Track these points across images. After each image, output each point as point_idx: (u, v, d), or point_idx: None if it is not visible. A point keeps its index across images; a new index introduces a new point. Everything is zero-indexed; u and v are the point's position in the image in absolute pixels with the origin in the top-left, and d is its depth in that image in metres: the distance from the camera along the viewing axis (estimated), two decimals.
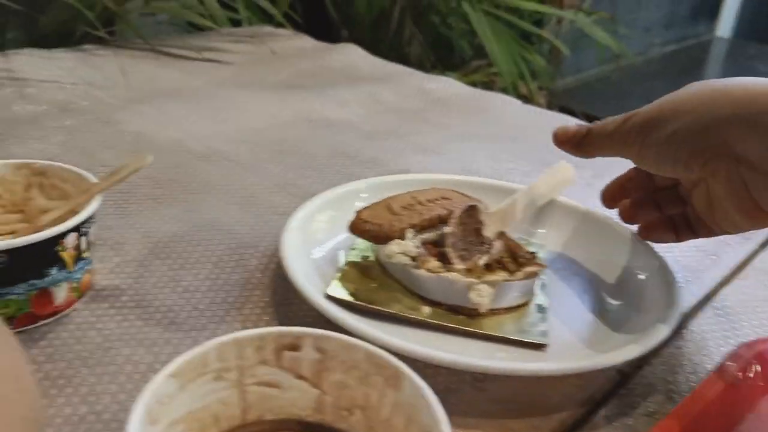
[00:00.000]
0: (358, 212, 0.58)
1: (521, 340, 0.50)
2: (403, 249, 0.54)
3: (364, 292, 0.54)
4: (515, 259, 0.56)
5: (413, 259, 0.54)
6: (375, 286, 0.55)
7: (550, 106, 1.80)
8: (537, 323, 0.52)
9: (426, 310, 0.53)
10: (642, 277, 0.57)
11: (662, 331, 0.49)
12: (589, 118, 0.97)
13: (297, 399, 0.39)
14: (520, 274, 0.54)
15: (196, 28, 1.36)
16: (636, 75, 2.71)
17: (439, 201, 0.58)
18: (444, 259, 0.54)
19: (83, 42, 1.18)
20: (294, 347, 0.38)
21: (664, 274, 0.56)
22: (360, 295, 0.53)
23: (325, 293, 0.52)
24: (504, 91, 1.54)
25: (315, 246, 0.58)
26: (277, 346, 0.38)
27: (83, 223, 0.50)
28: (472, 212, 0.57)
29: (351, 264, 0.57)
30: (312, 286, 0.51)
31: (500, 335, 0.51)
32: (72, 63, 1.05)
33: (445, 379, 0.47)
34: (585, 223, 0.64)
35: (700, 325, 0.56)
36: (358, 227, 0.57)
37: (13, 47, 1.07)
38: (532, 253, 0.56)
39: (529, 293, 0.55)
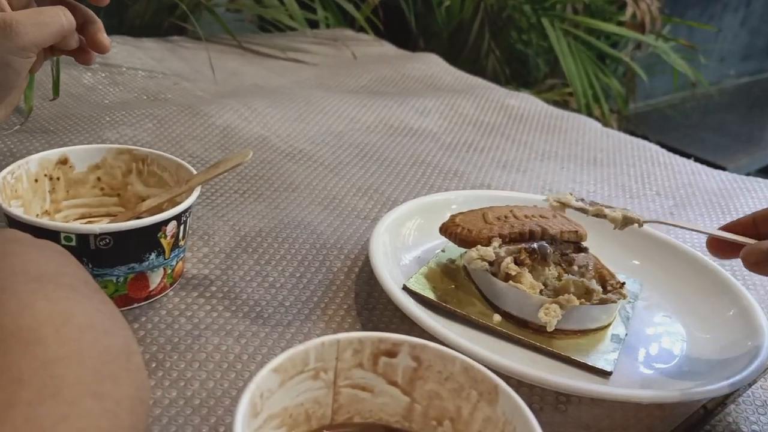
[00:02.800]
0: (453, 216, 0.59)
1: (585, 364, 0.50)
2: (482, 254, 0.54)
3: (442, 291, 0.55)
4: (603, 285, 0.55)
5: (491, 264, 0.54)
6: (453, 287, 0.56)
7: (621, 130, 1.78)
8: (607, 351, 0.51)
9: (497, 318, 0.53)
10: (730, 313, 0.56)
11: (749, 370, 0.48)
12: (662, 146, 0.96)
13: (387, 405, 0.40)
14: (595, 300, 0.53)
15: (271, 28, 1.38)
16: (708, 105, 2.66)
17: (535, 218, 0.58)
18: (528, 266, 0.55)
19: (170, 34, 1.21)
20: (391, 353, 0.39)
21: (752, 311, 0.55)
22: (437, 293, 0.54)
23: (403, 284, 0.53)
24: (578, 111, 1.52)
25: (403, 251, 0.59)
26: (375, 351, 0.38)
27: (184, 212, 0.51)
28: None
29: (436, 264, 0.58)
30: (396, 285, 0.52)
31: (565, 354, 0.50)
32: (161, 54, 1.07)
33: (527, 398, 0.47)
34: (675, 256, 0.63)
35: None
36: (448, 229, 0.58)
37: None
38: (621, 283, 0.55)
39: (605, 320, 0.54)
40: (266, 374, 0.35)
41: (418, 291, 0.54)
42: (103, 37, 0.52)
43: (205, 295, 0.54)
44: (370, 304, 0.55)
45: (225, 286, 0.55)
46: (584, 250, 0.59)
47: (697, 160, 0.94)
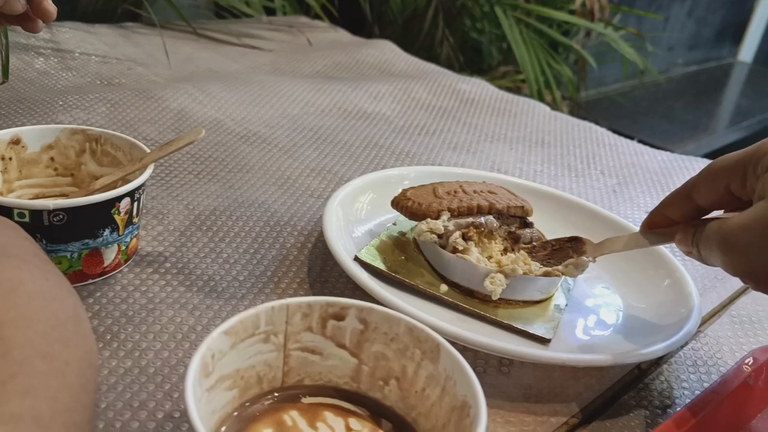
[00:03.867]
0: (404, 190, 0.61)
1: (526, 331, 0.52)
2: (431, 227, 0.57)
3: (392, 262, 0.57)
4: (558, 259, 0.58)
5: (439, 236, 0.56)
6: (403, 259, 0.58)
7: (572, 116, 1.83)
8: (548, 320, 0.54)
9: (444, 288, 0.55)
10: (665, 284, 0.59)
11: (681, 334, 0.51)
12: (612, 132, 1.00)
13: (336, 367, 0.41)
14: (539, 272, 0.56)
15: (226, 14, 1.38)
16: (657, 93, 2.73)
17: (483, 193, 0.60)
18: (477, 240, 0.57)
19: (123, 20, 1.21)
20: (339, 317, 0.40)
21: (684, 281, 0.58)
22: (387, 264, 0.56)
23: (355, 255, 0.56)
24: (530, 98, 1.55)
25: (356, 224, 0.62)
26: (323, 315, 0.40)
27: (137, 189, 0.52)
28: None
29: (388, 237, 0.60)
30: (348, 256, 0.54)
31: (507, 323, 0.53)
32: (114, 39, 1.07)
33: (471, 362, 0.50)
34: (614, 231, 0.66)
35: (716, 330, 0.58)
36: (399, 202, 0.60)
37: (55, 20, 1.10)
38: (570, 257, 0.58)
39: (548, 291, 0.57)
40: (217, 336, 0.37)
41: (368, 262, 0.55)
42: (48, 3, 0.52)
43: (160, 271, 0.55)
44: (323, 277, 0.57)
45: (179, 262, 0.56)
46: (530, 225, 0.61)
47: (643, 143, 0.98)
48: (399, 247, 0.60)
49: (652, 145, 0.97)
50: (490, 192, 0.62)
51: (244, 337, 0.38)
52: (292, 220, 0.64)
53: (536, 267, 0.56)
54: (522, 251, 0.58)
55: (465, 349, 0.49)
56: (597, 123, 1.04)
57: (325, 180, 0.73)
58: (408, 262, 0.58)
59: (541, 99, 1.60)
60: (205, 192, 0.67)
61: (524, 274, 0.54)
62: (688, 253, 0.47)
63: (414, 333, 0.40)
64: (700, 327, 0.58)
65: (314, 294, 0.55)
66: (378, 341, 0.41)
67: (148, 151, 0.56)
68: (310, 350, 0.41)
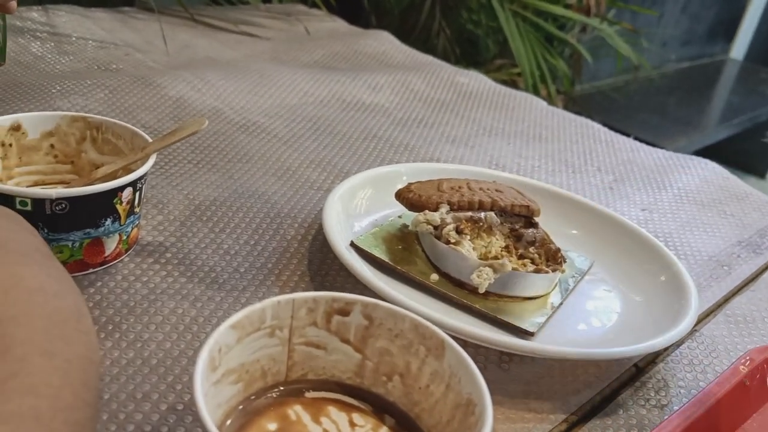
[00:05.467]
0: (410, 183, 0.62)
1: (510, 323, 0.52)
2: (428, 218, 0.57)
3: (388, 251, 0.58)
4: (549, 259, 0.58)
5: (435, 228, 0.57)
6: (400, 248, 0.59)
7: (566, 111, 1.83)
8: (537, 316, 0.54)
9: (435, 277, 0.56)
10: (662, 279, 0.60)
11: (677, 332, 0.51)
12: (605, 126, 1.00)
13: (339, 362, 0.42)
14: (530, 268, 0.56)
15: (222, 1, 1.37)
16: (650, 88, 2.73)
17: (489, 191, 0.60)
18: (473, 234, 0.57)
19: (119, 4, 1.20)
20: (344, 312, 0.41)
21: (681, 277, 0.58)
22: (382, 252, 0.57)
23: (351, 241, 0.57)
24: (525, 91, 1.55)
25: (355, 218, 0.62)
26: (328, 310, 0.40)
27: (139, 179, 0.52)
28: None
29: (390, 226, 0.61)
30: (346, 246, 0.55)
31: (492, 314, 0.53)
32: (111, 24, 1.06)
33: (472, 357, 0.50)
34: (613, 227, 0.66)
35: (711, 329, 0.59)
36: (401, 194, 0.61)
37: (50, 2, 1.09)
38: (563, 259, 0.58)
39: (542, 289, 0.57)
40: (224, 330, 0.37)
41: (364, 248, 0.56)
42: None
43: (161, 261, 0.55)
44: (323, 270, 0.57)
45: (180, 252, 0.56)
46: (534, 225, 0.61)
47: (638, 140, 0.98)
48: (400, 238, 0.60)
49: (649, 144, 0.97)
50: (497, 190, 0.62)
51: (251, 331, 0.38)
52: (292, 212, 0.64)
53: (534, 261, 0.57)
54: (530, 251, 0.59)
55: (465, 344, 0.49)
56: (591, 117, 1.04)
57: (324, 171, 0.73)
58: (405, 251, 0.59)
59: (537, 93, 1.60)
60: (205, 182, 0.67)
61: (514, 270, 0.54)
62: None
63: (419, 330, 0.40)
64: (695, 326, 0.58)
65: (315, 287, 0.55)
66: (382, 337, 0.41)
67: (150, 140, 0.56)
68: (314, 345, 0.41)
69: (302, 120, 0.85)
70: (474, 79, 1.11)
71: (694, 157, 0.94)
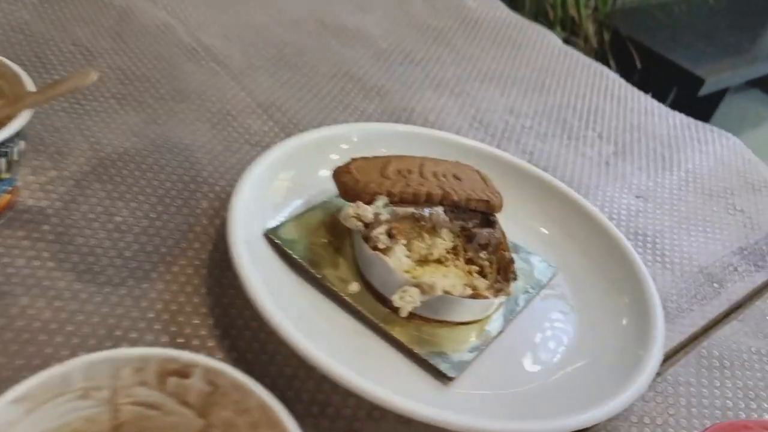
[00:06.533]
0: (354, 159, 0.51)
1: (427, 362, 0.44)
2: (359, 213, 0.48)
3: (310, 244, 0.49)
4: (498, 271, 0.49)
5: (366, 226, 0.47)
6: (326, 242, 0.50)
7: (597, 30, 1.66)
8: (464, 350, 0.45)
9: (354, 287, 0.47)
10: (626, 301, 0.51)
11: (622, 399, 0.43)
12: (642, 48, 0.86)
13: (179, 424, 0.34)
14: (466, 292, 0.46)
15: None
16: (701, 9, 2.48)
17: (445, 178, 0.50)
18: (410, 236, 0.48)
19: None
20: (182, 374, 0.32)
21: (649, 311, 0.49)
22: (301, 247, 0.48)
23: (265, 229, 0.48)
24: (553, 6, 1.40)
25: (271, 215, 0.51)
26: (161, 371, 0.32)
27: (5, 142, 0.43)
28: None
29: (322, 210, 0.52)
30: (258, 272, 0.44)
31: (408, 346, 0.44)
32: None
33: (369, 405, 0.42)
34: (590, 227, 0.57)
35: (677, 374, 0.50)
36: (338, 174, 0.51)
37: None
38: (514, 277, 0.48)
39: (478, 314, 0.48)
40: (2, 407, 0.29)
41: (277, 241, 0.47)
42: None
43: (33, 236, 0.46)
44: (227, 261, 0.49)
45: (61, 225, 0.48)
46: (492, 224, 0.52)
47: (676, 67, 0.85)
48: (330, 227, 0.51)
49: (686, 73, 0.84)
50: (455, 177, 0.52)
51: (48, 398, 0.30)
52: (213, 175, 0.55)
53: (481, 284, 0.47)
54: (480, 256, 0.50)
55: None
56: (630, 38, 0.90)
57: (271, 120, 0.63)
58: (329, 248, 0.50)
59: (565, 12, 1.44)
60: (121, 126, 0.58)
61: (446, 293, 0.45)
62: None
63: (267, 413, 0.32)
64: (660, 366, 0.49)
65: (209, 285, 0.47)
66: (229, 408, 0.33)
67: (32, 89, 0.46)
68: (146, 405, 0.33)
69: (265, 46, 0.74)
70: (485, 4, 0.97)
71: (715, 128, 0.81)
